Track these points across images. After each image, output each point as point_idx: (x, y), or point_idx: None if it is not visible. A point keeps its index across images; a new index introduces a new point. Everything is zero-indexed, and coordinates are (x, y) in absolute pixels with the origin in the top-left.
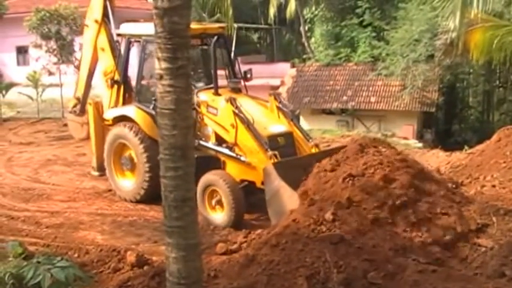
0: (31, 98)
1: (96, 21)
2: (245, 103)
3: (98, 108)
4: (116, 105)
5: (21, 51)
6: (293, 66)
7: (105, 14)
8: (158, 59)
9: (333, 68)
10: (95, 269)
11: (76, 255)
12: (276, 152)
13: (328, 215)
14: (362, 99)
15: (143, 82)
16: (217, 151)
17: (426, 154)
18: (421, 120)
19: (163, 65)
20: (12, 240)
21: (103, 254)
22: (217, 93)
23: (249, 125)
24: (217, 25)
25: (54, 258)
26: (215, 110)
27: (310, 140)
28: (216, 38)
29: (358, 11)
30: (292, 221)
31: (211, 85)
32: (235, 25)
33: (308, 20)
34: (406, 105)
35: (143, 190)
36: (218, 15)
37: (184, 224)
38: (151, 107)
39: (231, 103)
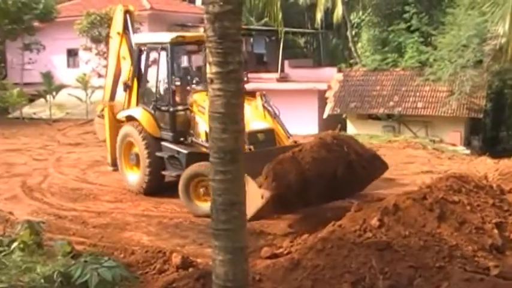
0: (80, 99)
1: (118, 33)
2: None
3: (113, 110)
4: (128, 106)
5: (72, 53)
6: (340, 70)
7: (125, 26)
8: (209, 63)
9: (380, 73)
10: (140, 270)
11: (122, 255)
12: (251, 147)
13: (374, 221)
14: (409, 105)
15: (148, 85)
16: (205, 147)
17: (474, 161)
18: (469, 126)
19: (214, 69)
20: (60, 239)
21: (148, 255)
22: None
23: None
24: None
25: (101, 258)
26: (203, 108)
27: (290, 137)
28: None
29: (406, 16)
30: (338, 226)
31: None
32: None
33: (355, 25)
34: (453, 111)
35: (145, 183)
36: (265, 19)
37: (232, 227)
38: (150, 107)
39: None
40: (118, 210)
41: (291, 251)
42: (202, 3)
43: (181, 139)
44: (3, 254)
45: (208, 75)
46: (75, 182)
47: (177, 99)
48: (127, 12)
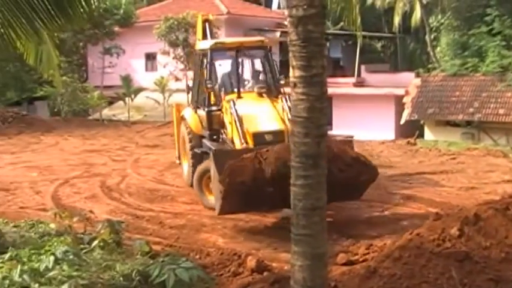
0: (158, 102)
1: (199, 40)
2: (249, 104)
3: (179, 109)
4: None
5: (150, 57)
6: (418, 75)
7: (204, 34)
8: (293, 67)
9: (459, 78)
10: (215, 272)
11: (197, 256)
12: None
13: (454, 231)
14: (489, 111)
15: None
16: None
17: None
18: None
19: (298, 73)
20: (138, 239)
21: (224, 258)
22: (239, 96)
23: (236, 123)
24: (255, 39)
25: (178, 258)
26: (227, 110)
27: None
28: (254, 49)
29: (487, 19)
30: (416, 234)
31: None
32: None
33: (434, 29)
34: None
35: (190, 176)
36: (342, 23)
37: (312, 233)
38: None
39: (229, 104)
40: (194, 212)
41: (366, 258)
42: (286, 6)
43: (215, 137)
44: (84, 251)
45: (292, 79)
46: (153, 183)
47: (213, 100)
48: (206, 20)
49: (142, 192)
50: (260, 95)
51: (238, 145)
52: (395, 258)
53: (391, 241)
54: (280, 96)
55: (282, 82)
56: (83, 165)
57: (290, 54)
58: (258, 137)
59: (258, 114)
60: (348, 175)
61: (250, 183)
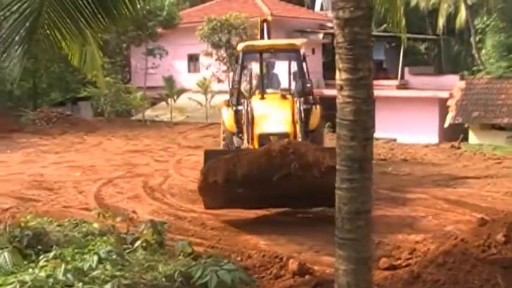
0: (200, 103)
1: (257, 39)
2: (265, 105)
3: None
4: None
5: (193, 59)
6: (462, 78)
7: (262, 35)
8: (339, 69)
9: (505, 81)
10: (257, 274)
11: (239, 258)
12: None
13: (500, 237)
14: None
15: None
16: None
17: None
18: None
19: (344, 75)
20: (180, 240)
21: (265, 260)
22: (262, 97)
23: (246, 123)
24: (286, 42)
25: (221, 260)
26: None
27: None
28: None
29: None
30: (461, 240)
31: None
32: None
33: (479, 30)
34: None
35: None
36: (385, 25)
37: (357, 237)
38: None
39: (244, 104)
40: (236, 214)
41: (410, 263)
42: (332, 9)
43: (240, 135)
44: (127, 251)
45: (338, 82)
46: (194, 184)
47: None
48: (264, 21)
49: (185, 193)
50: (284, 97)
51: (245, 145)
52: (439, 264)
53: (435, 246)
54: (296, 99)
55: (309, 85)
56: (125, 166)
57: (336, 57)
58: (263, 138)
59: (269, 116)
60: (326, 181)
61: (222, 183)
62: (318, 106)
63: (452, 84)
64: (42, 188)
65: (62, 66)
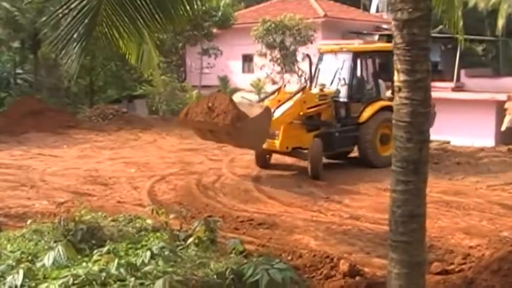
0: (252, 102)
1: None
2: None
3: None
4: None
5: (247, 59)
6: None
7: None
8: (397, 71)
9: None
10: (307, 274)
11: (289, 257)
12: None
13: None
14: None
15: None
16: None
17: None
18: None
19: (402, 77)
20: (232, 238)
21: (316, 260)
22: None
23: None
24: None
25: (272, 259)
26: None
27: None
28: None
29: None
30: None
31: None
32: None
33: None
34: None
35: None
36: (441, 26)
37: (410, 240)
38: None
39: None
40: (287, 214)
41: (463, 268)
42: (391, 10)
43: None
44: (179, 248)
45: (396, 83)
46: (248, 183)
47: None
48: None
49: (237, 193)
50: (322, 90)
51: None
52: (494, 270)
53: (489, 252)
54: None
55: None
56: (179, 163)
57: (395, 58)
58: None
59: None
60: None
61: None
62: None
63: (510, 87)
64: (97, 183)
65: (118, 65)
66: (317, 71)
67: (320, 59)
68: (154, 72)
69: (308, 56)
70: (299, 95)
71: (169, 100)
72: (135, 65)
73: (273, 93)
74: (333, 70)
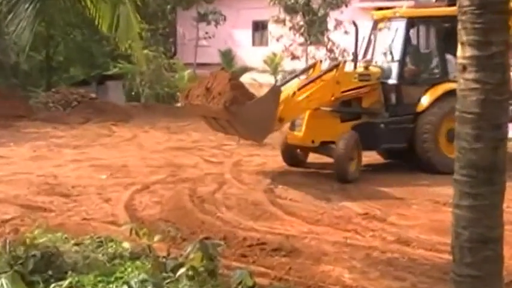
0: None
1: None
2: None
3: None
4: None
5: (259, 27)
6: None
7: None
8: (462, 43)
9: None
10: None
11: None
12: None
13: None
14: None
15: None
16: None
17: None
18: None
19: (469, 51)
20: (238, 268)
21: None
22: (355, 67)
23: None
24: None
25: None
26: None
27: None
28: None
29: None
30: None
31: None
32: None
33: None
34: None
35: None
36: None
37: (481, 274)
38: None
39: None
40: (312, 235)
41: None
42: None
43: None
44: (167, 281)
45: (460, 61)
46: (258, 194)
47: None
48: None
49: (244, 206)
50: (366, 68)
51: None
52: None
53: None
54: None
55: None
56: (167, 167)
57: (459, 26)
58: None
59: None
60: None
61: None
62: None
63: None
64: (55, 193)
65: (85, 34)
66: (366, 43)
67: (373, 29)
68: (134, 44)
69: (355, 23)
70: (332, 73)
71: (154, 82)
72: (107, 35)
73: (306, 70)
74: (387, 43)
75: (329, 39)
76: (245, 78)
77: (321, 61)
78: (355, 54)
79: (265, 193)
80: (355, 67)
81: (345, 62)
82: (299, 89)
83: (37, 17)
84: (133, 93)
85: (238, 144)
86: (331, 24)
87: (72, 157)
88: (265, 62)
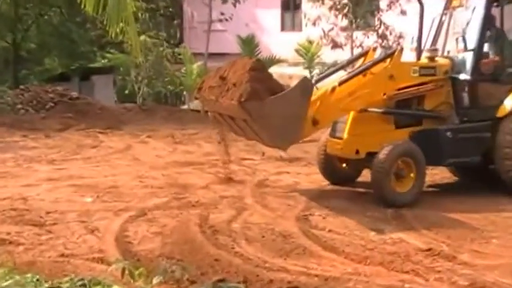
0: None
1: None
2: None
3: None
4: None
5: (290, 7)
6: None
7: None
8: None
9: None
10: None
11: None
12: None
13: None
14: None
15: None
16: None
17: None
18: None
19: None
20: None
21: None
22: (418, 58)
23: None
24: None
25: None
26: None
27: None
28: None
29: None
30: None
31: None
32: None
33: None
34: None
35: None
36: None
37: None
38: None
39: None
40: (358, 277)
41: None
42: None
43: None
44: None
45: None
46: (288, 222)
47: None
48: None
49: (270, 239)
50: (431, 59)
51: None
52: None
53: None
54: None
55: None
56: (170, 187)
57: None
58: None
59: None
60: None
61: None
62: None
63: None
64: (25, 221)
65: (64, 14)
66: (436, 27)
67: (446, 8)
68: (129, 27)
69: (420, 1)
70: (384, 64)
71: (153, 77)
72: (93, 16)
73: (354, 60)
74: (463, 26)
75: (381, 22)
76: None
77: (374, 48)
78: (419, 41)
79: (298, 222)
80: (417, 57)
81: (401, 49)
82: (340, 84)
83: None
84: (126, 91)
85: (263, 158)
86: (383, 3)
87: (47, 174)
88: (297, 51)
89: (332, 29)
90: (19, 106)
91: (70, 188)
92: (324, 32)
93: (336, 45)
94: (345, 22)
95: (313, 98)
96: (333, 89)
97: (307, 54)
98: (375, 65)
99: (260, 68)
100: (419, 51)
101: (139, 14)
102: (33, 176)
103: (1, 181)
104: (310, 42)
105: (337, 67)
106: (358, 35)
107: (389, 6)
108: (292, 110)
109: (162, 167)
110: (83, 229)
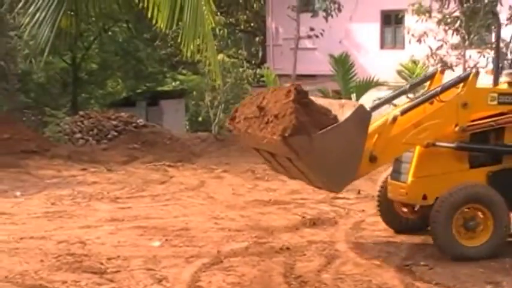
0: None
1: None
2: None
3: None
4: None
5: (391, 21)
6: None
7: None
8: None
9: None
10: None
11: None
12: None
13: None
14: None
15: None
16: None
17: None
18: None
19: None
20: None
21: None
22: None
23: None
24: None
25: None
26: None
27: None
28: None
29: None
30: None
31: None
32: None
33: None
34: None
35: None
36: None
37: None
38: None
39: None
40: None
41: None
42: None
43: None
44: None
45: None
46: (388, 273)
47: None
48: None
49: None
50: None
51: None
52: None
53: None
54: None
55: None
56: (250, 230)
57: None
58: None
59: None
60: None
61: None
62: None
63: None
64: (83, 268)
65: (131, 30)
66: None
67: None
68: (207, 45)
69: (496, 15)
70: (456, 90)
71: (231, 102)
72: (164, 32)
73: (418, 84)
74: None
75: (499, 39)
76: (369, 98)
77: (442, 71)
78: (496, 62)
79: (399, 273)
80: (495, 82)
81: (477, 72)
82: (403, 113)
83: (61, 5)
84: (200, 118)
85: (359, 196)
86: (502, 15)
87: (109, 214)
88: (399, 73)
89: (441, 46)
90: (78, 135)
91: (135, 230)
92: (431, 50)
93: (445, 65)
94: (456, 39)
95: (370, 129)
96: (394, 119)
97: (411, 77)
98: (444, 91)
99: (304, 95)
100: (496, 74)
101: (217, 30)
102: (93, 216)
103: (57, 222)
104: (415, 62)
105: (397, 92)
106: (471, 53)
107: (509, 20)
108: (346, 145)
109: (241, 206)
110: (149, 278)
